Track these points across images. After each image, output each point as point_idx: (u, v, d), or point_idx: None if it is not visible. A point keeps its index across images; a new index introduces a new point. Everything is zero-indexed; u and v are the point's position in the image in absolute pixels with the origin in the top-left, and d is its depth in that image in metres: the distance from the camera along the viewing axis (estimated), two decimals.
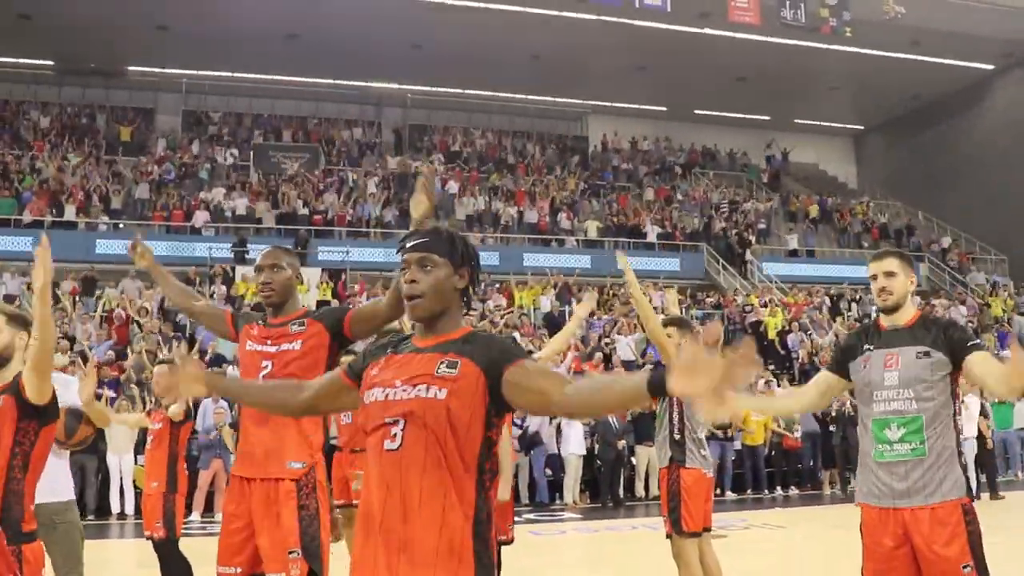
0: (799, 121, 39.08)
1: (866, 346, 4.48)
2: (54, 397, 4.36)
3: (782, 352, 23.14)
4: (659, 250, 29.97)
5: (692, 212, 32.92)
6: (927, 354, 4.29)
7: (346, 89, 35.24)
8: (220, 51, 31.26)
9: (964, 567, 4.11)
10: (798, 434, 18.32)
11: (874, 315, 4.70)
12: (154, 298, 22.29)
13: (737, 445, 18.23)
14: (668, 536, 6.48)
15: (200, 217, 27.91)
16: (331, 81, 34.53)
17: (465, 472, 2.85)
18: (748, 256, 30.20)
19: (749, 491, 18.04)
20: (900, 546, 4.25)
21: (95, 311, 21.69)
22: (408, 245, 3.01)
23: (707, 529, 6.57)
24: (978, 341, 4.36)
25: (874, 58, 32.00)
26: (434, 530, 2.79)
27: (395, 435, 2.86)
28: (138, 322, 20.74)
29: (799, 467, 18.80)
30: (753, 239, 31.27)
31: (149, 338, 19.64)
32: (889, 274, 4.49)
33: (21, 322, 4.56)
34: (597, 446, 17.02)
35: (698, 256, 30.16)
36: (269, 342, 4.70)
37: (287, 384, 3.42)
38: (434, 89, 35.91)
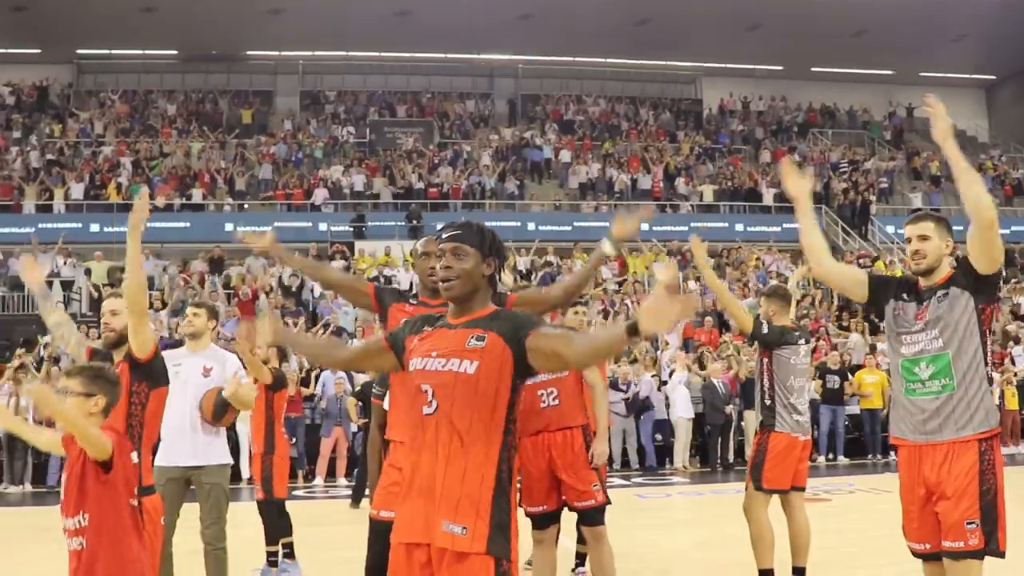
0: (924, 74, 37.59)
1: (904, 295, 4.61)
2: (157, 357, 4.80)
3: None
4: (775, 213, 29.51)
5: (810, 173, 32.24)
6: (946, 294, 4.45)
7: (457, 62, 35.60)
8: (334, 31, 31.94)
9: (968, 523, 4.25)
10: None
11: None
12: (277, 275, 23.11)
13: (855, 409, 17.97)
14: (745, 488, 6.71)
15: (319, 195, 28.70)
16: (442, 55, 34.93)
17: (491, 433, 3.30)
18: (870, 217, 29.47)
19: (870, 456, 17.75)
20: (925, 506, 4.42)
21: (221, 289, 22.55)
22: (444, 236, 3.49)
23: (796, 488, 6.70)
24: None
25: (1006, 1, 30.53)
26: (458, 483, 3.25)
27: (431, 401, 3.34)
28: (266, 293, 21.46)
29: None
30: (874, 199, 30.48)
31: (273, 314, 20.37)
32: (923, 237, 4.57)
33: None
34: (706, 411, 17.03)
35: (817, 218, 29.52)
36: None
37: (335, 341, 3.81)
38: (545, 58, 35.99)
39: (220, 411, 6.36)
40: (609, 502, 6.07)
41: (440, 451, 3.29)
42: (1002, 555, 4.30)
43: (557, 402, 5.93)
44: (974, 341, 4.41)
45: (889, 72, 36.91)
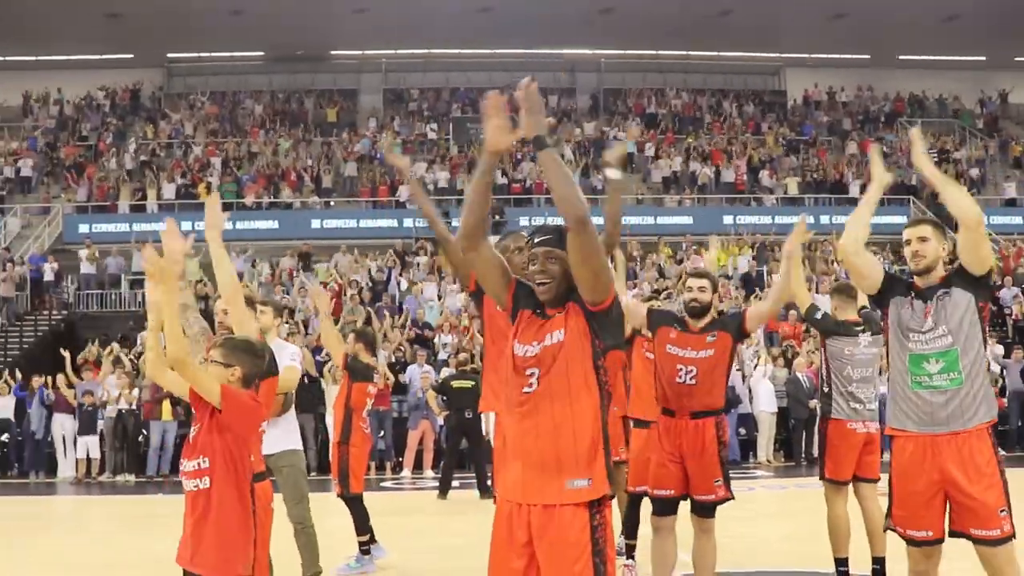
0: (1020, 59, 36.62)
1: (912, 292, 4.80)
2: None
3: (993, 308, 22.12)
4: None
5: (898, 164, 31.71)
6: (947, 293, 4.69)
7: (540, 57, 35.68)
8: (416, 28, 32.28)
9: (1001, 511, 4.48)
10: (1004, 395, 17.62)
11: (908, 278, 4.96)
12: (362, 270, 23.52)
13: None
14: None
15: (404, 192, 29.07)
16: (524, 50, 35.05)
17: (588, 394, 3.61)
18: None
19: None
20: (935, 496, 4.60)
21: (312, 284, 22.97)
22: (536, 241, 3.73)
23: (863, 479, 6.73)
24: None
25: None
26: (571, 445, 3.55)
27: (531, 382, 3.64)
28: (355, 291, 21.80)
29: (1005, 428, 17.91)
30: (966, 189, 29.78)
31: (358, 309, 20.76)
32: (922, 239, 4.80)
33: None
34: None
35: (903, 210, 29.09)
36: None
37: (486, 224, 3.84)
38: (627, 52, 35.88)
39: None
40: (732, 498, 6.04)
41: (543, 420, 3.59)
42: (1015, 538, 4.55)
43: (695, 381, 5.92)
44: (977, 337, 4.66)
45: (981, 58, 35.99)
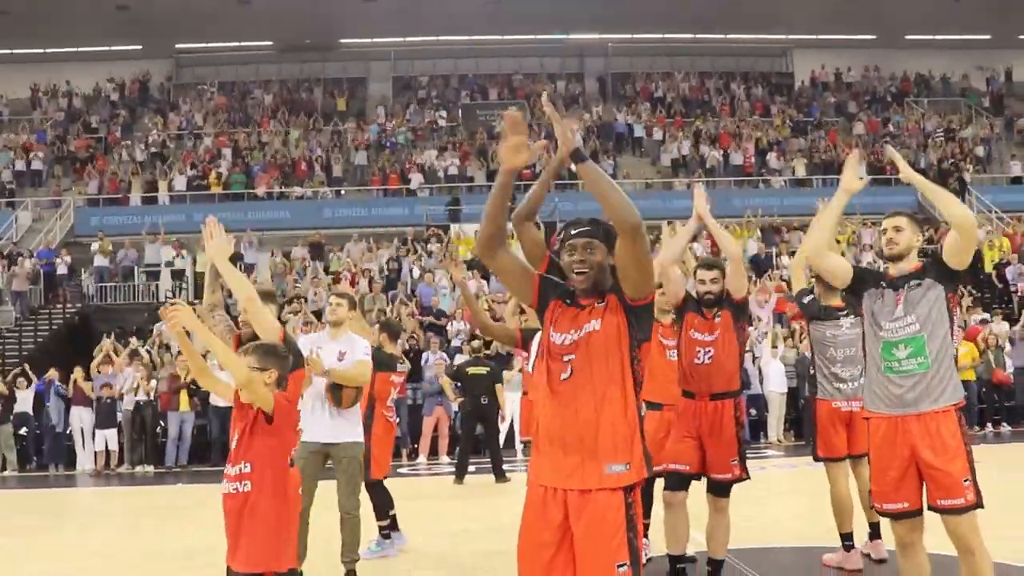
0: None
1: (881, 283, 5.10)
2: (287, 342, 5.21)
3: (999, 285, 22.21)
4: (869, 185, 29.09)
5: (905, 144, 31.73)
6: (919, 284, 4.97)
7: (548, 43, 35.76)
8: (424, 16, 32.37)
9: (964, 480, 4.75)
10: (1010, 369, 17.73)
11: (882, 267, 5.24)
12: (374, 259, 23.69)
13: None
14: None
15: (415, 179, 29.24)
16: (532, 36, 35.13)
17: (624, 382, 3.76)
18: (966, 187, 28.89)
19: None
20: (907, 470, 4.87)
21: (324, 274, 23.15)
22: (574, 232, 3.88)
23: (858, 456, 6.99)
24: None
25: None
26: (609, 431, 3.70)
27: (568, 369, 3.78)
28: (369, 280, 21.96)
29: (1011, 404, 18.06)
30: (971, 167, 29.89)
31: (379, 298, 20.96)
32: (897, 228, 5.12)
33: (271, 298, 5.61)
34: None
35: (910, 188, 29.02)
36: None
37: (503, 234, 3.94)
38: (634, 36, 35.92)
39: (334, 392, 6.91)
40: (748, 477, 6.30)
41: (582, 408, 3.73)
42: (983, 507, 4.80)
43: (711, 361, 6.20)
44: (944, 325, 4.95)
45: (986, 37, 35.95)
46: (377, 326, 9.04)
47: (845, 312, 7.11)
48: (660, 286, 7.49)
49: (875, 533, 7.14)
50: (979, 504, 4.77)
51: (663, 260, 6.39)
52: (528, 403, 9.32)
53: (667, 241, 6.73)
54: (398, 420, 16.77)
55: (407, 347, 17.84)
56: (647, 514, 7.51)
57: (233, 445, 4.60)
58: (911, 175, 5.19)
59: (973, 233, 5.00)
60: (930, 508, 4.87)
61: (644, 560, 7.31)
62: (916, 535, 4.95)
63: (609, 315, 3.78)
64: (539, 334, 4.89)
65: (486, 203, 3.83)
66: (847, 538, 6.96)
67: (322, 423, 6.91)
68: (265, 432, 4.49)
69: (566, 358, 3.79)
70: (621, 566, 3.62)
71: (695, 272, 6.51)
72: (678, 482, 6.27)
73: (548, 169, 4.05)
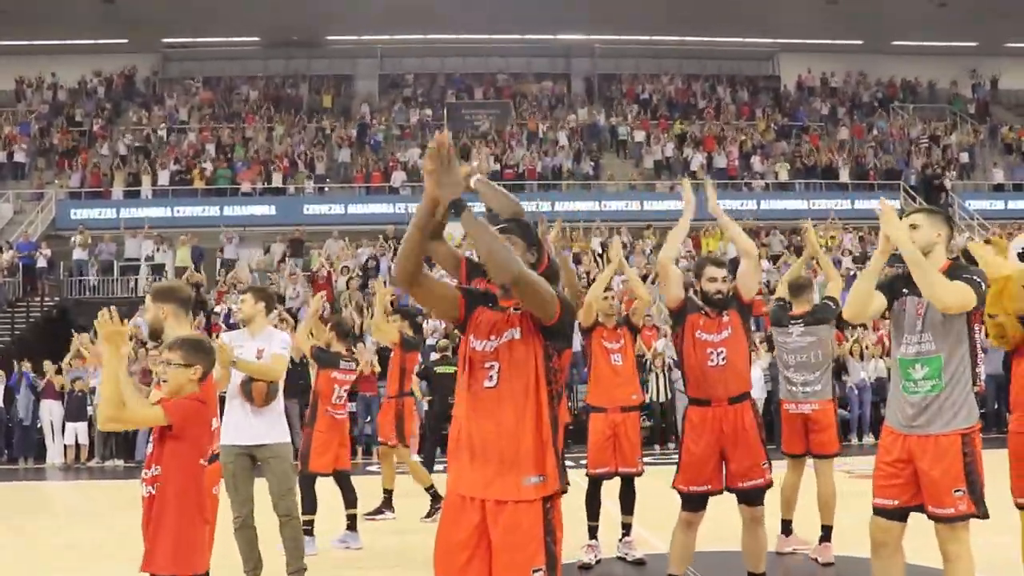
0: (1011, 44, 36.64)
1: (904, 289, 4.83)
2: None
3: None
4: (852, 190, 29.24)
5: (889, 150, 31.81)
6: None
7: (534, 43, 35.75)
8: (411, 14, 32.27)
9: (956, 491, 4.60)
10: (982, 377, 17.73)
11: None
12: (353, 257, 23.64)
13: None
14: None
15: (398, 177, 29.19)
16: (519, 36, 35.10)
17: (539, 393, 3.69)
18: (948, 193, 28.98)
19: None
20: (902, 471, 4.75)
21: (302, 270, 23.10)
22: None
23: (816, 455, 7.45)
24: (972, 277, 4.64)
25: None
26: (527, 442, 3.64)
27: (492, 376, 3.71)
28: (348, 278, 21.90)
29: (983, 411, 18.05)
30: (954, 174, 29.96)
31: (354, 295, 20.89)
32: (913, 227, 4.80)
33: (161, 297, 5.45)
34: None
35: (894, 195, 29.19)
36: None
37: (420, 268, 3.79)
38: (621, 37, 35.90)
39: (244, 387, 6.67)
40: (772, 483, 6.08)
41: (504, 418, 3.66)
42: (986, 517, 4.68)
43: (725, 362, 5.92)
44: (963, 344, 4.71)
45: (973, 44, 36.05)
46: (328, 325, 9.03)
47: (798, 320, 7.43)
48: (609, 289, 7.56)
49: (826, 536, 7.37)
50: (976, 514, 4.65)
51: (662, 258, 6.24)
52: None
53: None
54: (369, 419, 16.88)
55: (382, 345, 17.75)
56: (595, 516, 7.53)
57: (149, 449, 4.55)
58: (903, 244, 4.64)
59: (966, 309, 4.65)
60: (923, 512, 4.80)
61: (594, 561, 7.39)
62: (891, 536, 4.82)
63: (526, 322, 3.70)
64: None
65: (403, 240, 3.63)
66: (786, 524, 7.60)
67: (242, 424, 6.69)
68: (170, 436, 4.41)
69: (487, 365, 3.72)
70: (537, 571, 3.58)
71: (704, 270, 6.12)
72: (698, 503, 5.96)
73: (416, 215, 3.61)
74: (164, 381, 4.53)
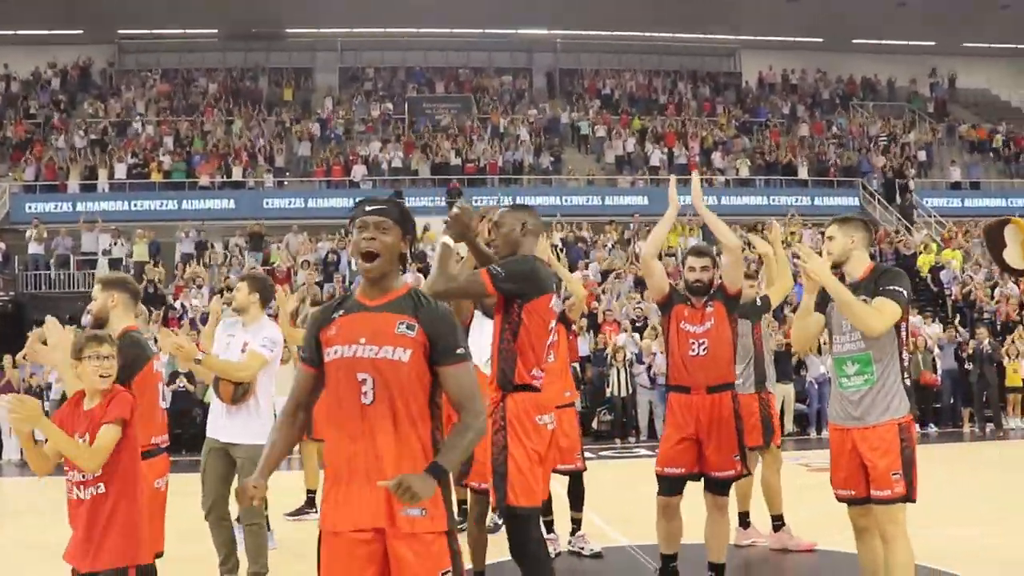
0: (968, 44, 37.13)
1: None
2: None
3: (934, 289, 22.44)
4: (811, 187, 29.43)
5: (849, 147, 32.05)
6: (866, 301, 4.95)
7: (496, 37, 35.68)
8: (372, 7, 32.13)
9: (893, 474, 4.90)
10: (939, 372, 17.93)
11: None
12: (314, 251, 23.46)
13: None
14: None
15: (358, 171, 29.01)
16: (481, 30, 35.01)
17: (425, 416, 3.32)
18: (909, 191, 29.24)
19: None
20: (852, 461, 5.07)
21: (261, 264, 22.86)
22: (368, 209, 3.37)
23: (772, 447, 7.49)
24: (894, 289, 4.93)
25: None
26: (410, 468, 3.19)
27: (366, 392, 3.27)
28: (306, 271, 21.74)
29: (938, 406, 18.25)
30: (913, 172, 30.25)
31: (311, 289, 20.71)
32: (830, 238, 5.17)
33: (113, 285, 5.35)
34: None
35: (853, 191, 29.44)
36: None
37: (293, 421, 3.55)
38: (583, 32, 35.93)
39: (215, 385, 6.51)
40: (749, 472, 6.21)
41: (382, 439, 3.24)
42: (913, 501, 4.97)
43: (706, 352, 5.93)
44: (891, 339, 5.00)
45: (931, 43, 36.46)
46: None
47: (749, 309, 7.34)
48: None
49: (778, 526, 7.51)
50: (908, 498, 4.92)
51: (644, 254, 6.26)
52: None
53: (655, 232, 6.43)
54: None
55: None
56: (548, 511, 7.38)
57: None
58: (827, 280, 4.96)
59: (889, 325, 5.00)
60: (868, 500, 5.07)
61: (553, 554, 7.32)
62: (870, 520, 5.08)
63: (418, 343, 3.30)
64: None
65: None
66: (744, 516, 7.58)
67: (219, 420, 6.51)
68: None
69: (361, 376, 3.28)
70: (446, 573, 3.26)
71: (684, 260, 6.27)
72: (674, 486, 5.97)
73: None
74: (103, 376, 4.36)
